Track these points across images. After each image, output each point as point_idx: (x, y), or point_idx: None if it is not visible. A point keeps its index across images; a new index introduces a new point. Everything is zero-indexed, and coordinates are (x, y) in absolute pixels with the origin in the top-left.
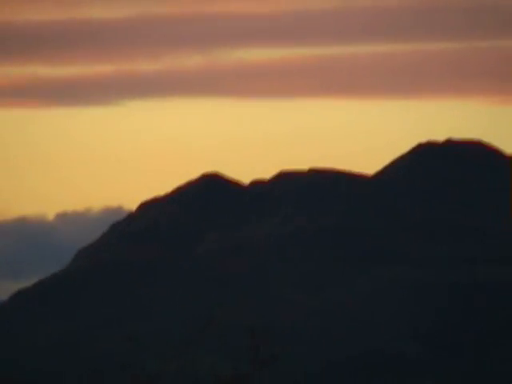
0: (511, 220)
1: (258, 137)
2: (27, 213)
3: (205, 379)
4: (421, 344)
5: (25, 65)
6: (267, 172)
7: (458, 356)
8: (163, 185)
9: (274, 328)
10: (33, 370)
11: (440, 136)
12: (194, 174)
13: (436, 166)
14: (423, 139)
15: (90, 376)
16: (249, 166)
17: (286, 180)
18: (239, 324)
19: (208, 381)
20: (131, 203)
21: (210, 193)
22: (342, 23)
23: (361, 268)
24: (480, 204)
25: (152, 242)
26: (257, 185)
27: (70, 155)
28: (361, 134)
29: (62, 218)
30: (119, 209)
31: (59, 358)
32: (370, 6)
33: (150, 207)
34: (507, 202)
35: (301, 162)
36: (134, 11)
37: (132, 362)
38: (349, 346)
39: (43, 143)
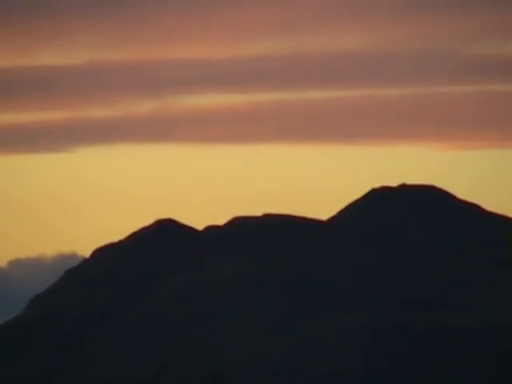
0: (465, 264)
1: (212, 182)
2: None
3: None
4: None
5: None
6: (221, 218)
7: None
8: (117, 231)
9: (228, 373)
10: None
11: (394, 181)
12: (147, 220)
13: (390, 210)
14: (377, 184)
15: None
16: (203, 211)
17: (240, 225)
18: (193, 369)
19: None
20: (85, 250)
21: (164, 238)
22: (296, 69)
23: (313, 313)
24: (434, 248)
25: (106, 288)
26: (211, 230)
27: (21, 202)
28: (315, 179)
29: (15, 265)
30: (73, 255)
31: None
32: (324, 52)
33: (105, 253)
34: (461, 246)
35: (255, 208)
36: (86, 58)
37: None
38: None
39: None
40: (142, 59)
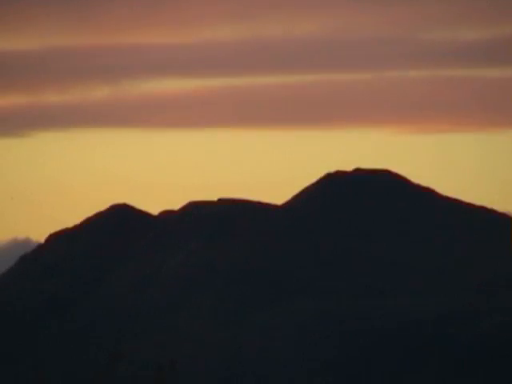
0: (421, 249)
1: (167, 167)
2: None
3: None
4: (327, 374)
5: None
6: (176, 203)
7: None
8: (72, 217)
9: (180, 361)
10: None
11: (348, 166)
12: (102, 205)
13: (344, 195)
14: (332, 169)
15: None
16: (158, 197)
17: (195, 210)
18: (147, 357)
19: None
20: (40, 235)
21: (119, 224)
22: (251, 54)
23: (268, 299)
24: (388, 233)
25: (61, 276)
26: (166, 215)
27: None
28: (270, 164)
29: None
30: (27, 241)
31: None
32: (278, 38)
33: (59, 238)
34: (416, 231)
35: (210, 193)
36: (41, 43)
37: None
38: (255, 379)
39: None
40: (97, 45)
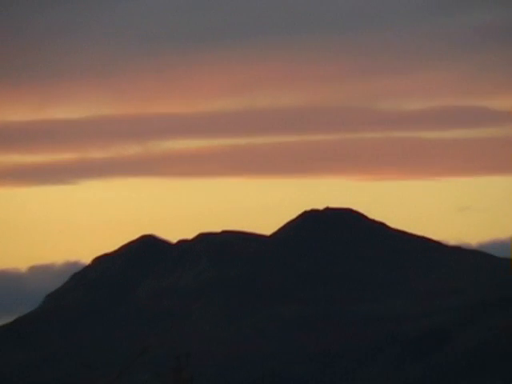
0: (374, 268)
1: (182, 206)
2: (8, 267)
3: None
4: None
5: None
6: (190, 233)
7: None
8: (111, 244)
9: (193, 354)
10: None
11: (321, 205)
12: (134, 235)
13: (317, 227)
14: (308, 207)
15: None
16: (176, 229)
17: (204, 239)
18: (167, 350)
19: None
20: (87, 258)
21: (146, 249)
22: (245, 121)
23: (260, 307)
24: (351, 255)
25: (103, 288)
26: (182, 243)
27: (39, 222)
28: (261, 202)
29: (34, 270)
30: (78, 262)
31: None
32: (268, 106)
33: (102, 261)
34: (371, 254)
35: (216, 225)
36: (87, 112)
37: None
38: (252, 369)
39: (22, 213)
40: (130, 113)
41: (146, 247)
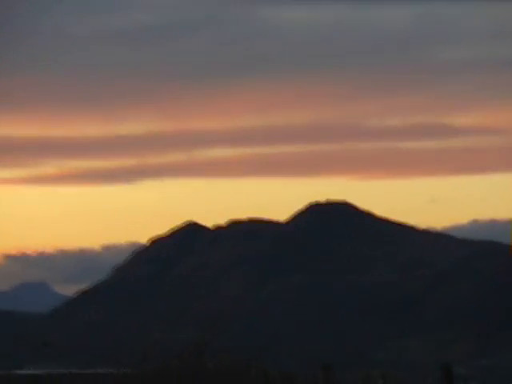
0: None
1: (217, 199)
2: (85, 246)
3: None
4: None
5: (84, 160)
6: (223, 220)
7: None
8: (163, 228)
9: (224, 313)
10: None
11: (322, 198)
12: (180, 221)
13: (320, 216)
14: (313, 200)
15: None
16: (212, 216)
17: (233, 224)
18: (205, 310)
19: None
20: (145, 239)
21: (190, 232)
22: (264, 134)
23: (277, 277)
24: (347, 238)
25: (156, 262)
26: (217, 228)
27: (110, 213)
28: (277, 197)
29: (106, 248)
30: (137, 242)
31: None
32: (282, 122)
33: (155, 241)
34: (362, 237)
35: (242, 213)
36: (146, 128)
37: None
38: (268, 325)
39: (96, 206)
40: (177, 128)
41: (190, 231)
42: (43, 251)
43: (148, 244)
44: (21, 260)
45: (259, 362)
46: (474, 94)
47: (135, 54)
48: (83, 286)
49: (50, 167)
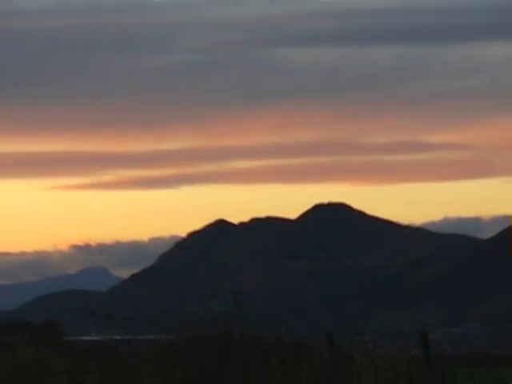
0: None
1: (242, 200)
2: (137, 238)
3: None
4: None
5: (135, 170)
6: (246, 217)
7: None
8: (198, 223)
9: (247, 288)
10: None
11: (326, 200)
12: (212, 219)
13: (323, 214)
14: (317, 202)
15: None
16: (238, 214)
17: (254, 221)
18: (230, 290)
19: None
20: (184, 232)
21: (220, 227)
22: (279, 150)
23: (289, 261)
24: (344, 232)
25: (193, 250)
26: (241, 223)
27: (154, 212)
28: (289, 198)
29: (154, 241)
30: (177, 235)
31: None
32: (294, 140)
33: (193, 234)
34: (357, 233)
35: (262, 213)
36: (185, 144)
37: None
38: (283, 298)
39: (144, 206)
40: (209, 145)
41: (219, 226)
42: (103, 242)
43: (186, 236)
44: (85, 249)
45: (275, 330)
46: (445, 118)
47: (177, 86)
48: (135, 270)
49: (108, 176)
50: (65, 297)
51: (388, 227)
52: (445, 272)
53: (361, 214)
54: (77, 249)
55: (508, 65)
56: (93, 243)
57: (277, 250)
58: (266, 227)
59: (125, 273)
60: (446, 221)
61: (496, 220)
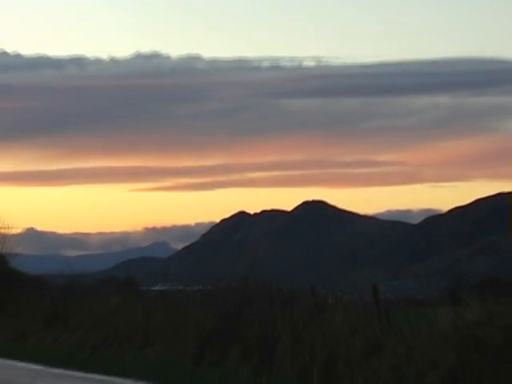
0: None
1: (254, 199)
2: (186, 223)
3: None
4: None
5: (177, 180)
6: (258, 209)
7: None
8: (220, 216)
9: (259, 260)
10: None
11: (316, 198)
12: (232, 212)
13: (313, 209)
14: (309, 199)
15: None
16: (254, 207)
17: (263, 212)
18: (248, 260)
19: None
20: (218, 219)
21: (239, 218)
22: (282, 166)
23: (291, 244)
24: (331, 223)
25: (223, 233)
26: (256, 214)
27: (193, 209)
28: (289, 198)
29: (198, 225)
30: (214, 222)
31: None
32: (295, 159)
33: (222, 221)
34: (336, 220)
35: (269, 206)
36: (215, 161)
37: None
38: (287, 274)
39: (180, 209)
40: (235, 162)
41: (240, 216)
42: (164, 225)
43: (219, 222)
44: (153, 230)
45: (278, 286)
46: (388, 144)
47: (212, 123)
48: (186, 244)
49: (168, 182)
50: (140, 261)
51: (352, 216)
52: (391, 245)
53: (334, 208)
54: (148, 230)
55: (431, 110)
56: (158, 226)
57: (279, 233)
58: (272, 216)
59: (179, 246)
60: (389, 212)
61: (421, 211)
